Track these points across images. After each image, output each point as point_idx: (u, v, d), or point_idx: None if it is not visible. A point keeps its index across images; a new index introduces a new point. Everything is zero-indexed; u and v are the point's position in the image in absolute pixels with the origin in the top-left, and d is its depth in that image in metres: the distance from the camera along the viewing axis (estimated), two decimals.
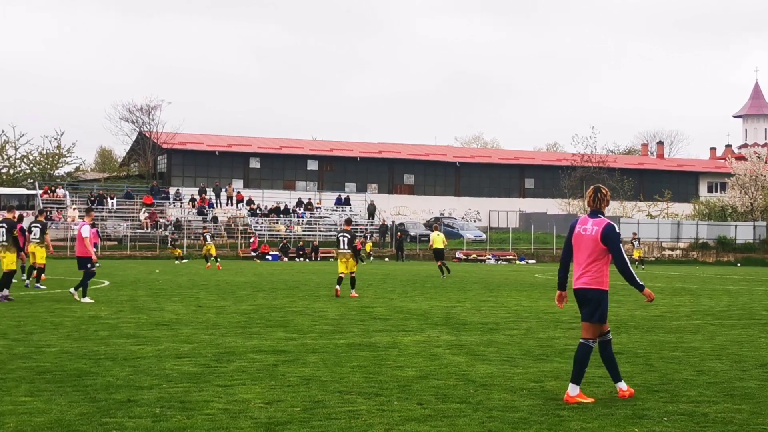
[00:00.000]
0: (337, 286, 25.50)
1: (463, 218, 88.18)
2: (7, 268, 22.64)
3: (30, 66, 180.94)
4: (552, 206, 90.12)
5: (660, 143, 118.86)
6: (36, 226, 27.79)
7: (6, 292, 22.16)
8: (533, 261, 70.40)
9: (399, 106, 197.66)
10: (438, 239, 41.08)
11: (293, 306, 21.78)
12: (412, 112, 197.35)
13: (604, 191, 9.96)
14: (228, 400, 9.46)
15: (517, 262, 69.48)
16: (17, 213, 26.16)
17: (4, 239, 22.80)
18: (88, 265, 22.89)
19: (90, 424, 8.19)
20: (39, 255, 27.39)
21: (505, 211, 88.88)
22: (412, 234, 75.81)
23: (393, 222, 77.87)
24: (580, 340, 9.81)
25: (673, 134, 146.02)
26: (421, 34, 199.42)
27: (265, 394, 9.83)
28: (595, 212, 9.91)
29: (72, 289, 22.97)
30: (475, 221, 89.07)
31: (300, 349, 13.63)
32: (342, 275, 25.55)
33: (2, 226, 22.89)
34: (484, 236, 79.60)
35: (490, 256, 70.46)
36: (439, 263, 39.80)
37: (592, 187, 10.11)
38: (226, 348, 13.67)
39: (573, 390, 9.57)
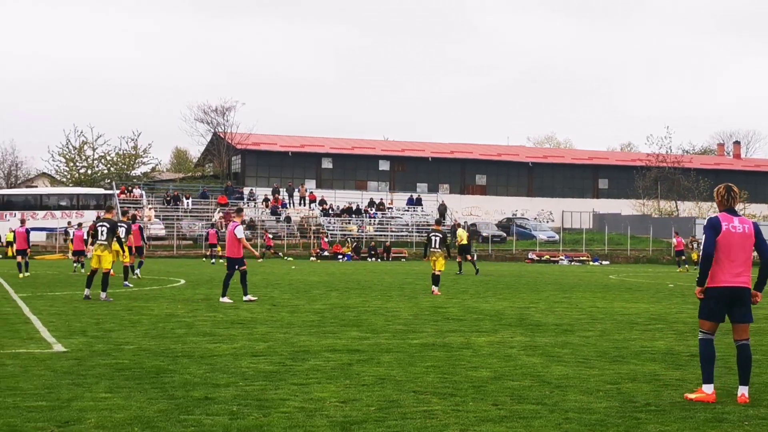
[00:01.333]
0: (434, 287, 26.59)
1: (535, 219, 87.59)
2: (105, 268, 22.70)
3: (106, 68, 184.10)
4: (626, 207, 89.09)
5: (737, 143, 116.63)
6: (121, 227, 28.15)
7: (103, 295, 22.18)
8: (607, 262, 69.64)
9: (471, 106, 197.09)
10: (464, 235, 42.85)
11: (366, 306, 21.84)
12: (484, 111, 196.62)
13: (735, 189, 10.00)
14: (304, 398, 9.52)
15: (591, 263, 68.80)
16: (131, 213, 27.09)
17: (105, 239, 22.84)
18: (236, 266, 22.81)
19: (168, 421, 8.30)
20: (106, 260, 27.60)
21: (578, 211, 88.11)
22: (483, 234, 75.53)
23: (465, 222, 77.67)
24: (742, 342, 9.80)
25: (750, 134, 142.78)
26: (494, 33, 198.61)
27: (340, 392, 9.87)
28: (732, 210, 9.90)
29: (245, 297, 22.63)
30: (547, 222, 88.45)
31: (374, 348, 13.66)
32: (437, 273, 26.89)
33: (104, 226, 22.94)
34: (557, 237, 79.00)
35: (563, 257, 69.89)
36: (459, 259, 41.79)
37: (722, 186, 10.06)
38: (300, 347, 13.75)
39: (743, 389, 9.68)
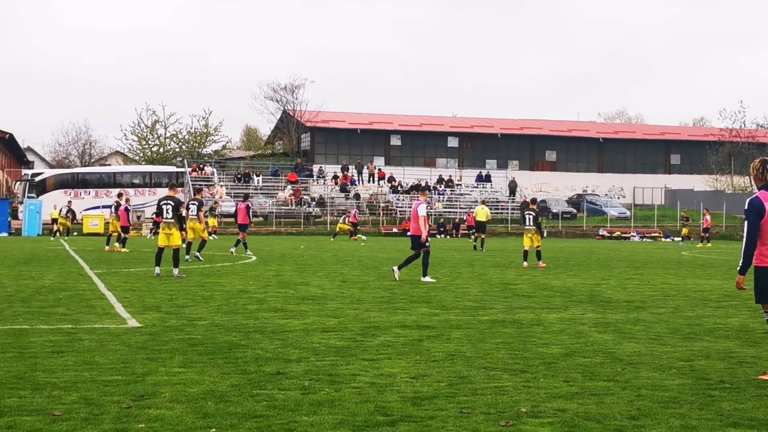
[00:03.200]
0: (525, 262, 27.84)
1: (606, 195, 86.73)
2: (175, 245, 22.98)
3: (179, 45, 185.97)
4: (699, 182, 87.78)
5: None
6: (193, 204, 29.78)
7: (176, 271, 22.59)
8: (679, 239, 68.82)
9: (542, 82, 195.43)
10: (482, 212, 42.35)
11: (436, 282, 21.83)
12: (556, 88, 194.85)
13: None
14: (374, 374, 9.56)
15: (663, 239, 67.98)
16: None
17: (171, 216, 23.01)
18: (426, 244, 22.67)
19: (241, 396, 8.40)
20: (198, 229, 29.65)
21: (649, 187, 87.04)
22: (554, 211, 75.03)
23: (534, 198, 77.09)
24: None
25: None
26: (566, 8, 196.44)
27: (410, 368, 9.89)
28: None
29: (422, 278, 22.48)
30: (618, 198, 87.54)
31: (444, 324, 13.67)
32: (527, 249, 28.26)
33: (168, 204, 23.03)
34: (628, 213, 78.23)
35: (634, 234, 69.17)
36: (476, 235, 42.40)
37: (758, 160, 9.66)
38: (370, 323, 13.81)
39: None
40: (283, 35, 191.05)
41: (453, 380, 9.25)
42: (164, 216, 23.14)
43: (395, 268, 22.87)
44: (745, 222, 9.41)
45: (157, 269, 22.73)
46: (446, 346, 11.47)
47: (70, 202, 57.52)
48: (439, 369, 9.87)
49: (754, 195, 9.54)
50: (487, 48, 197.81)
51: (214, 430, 7.18)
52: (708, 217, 55.13)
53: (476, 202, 77.20)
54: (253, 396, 8.39)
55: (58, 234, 54.18)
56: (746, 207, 9.45)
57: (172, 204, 23.06)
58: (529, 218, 29.03)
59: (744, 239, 9.49)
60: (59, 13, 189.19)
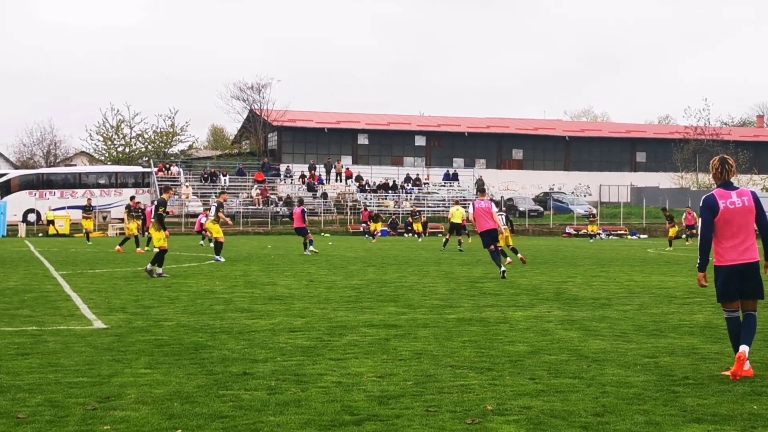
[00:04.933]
0: (507, 258, 27.65)
1: (572, 193, 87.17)
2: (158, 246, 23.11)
3: (145, 43, 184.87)
4: (664, 180, 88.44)
5: None
6: (213, 205, 31.71)
7: (159, 270, 22.56)
8: (645, 236, 69.21)
9: (509, 82, 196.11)
10: (457, 214, 41.21)
11: (403, 281, 21.88)
12: (521, 87, 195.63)
13: (731, 161, 9.66)
14: (341, 373, 9.57)
15: (629, 237, 68.41)
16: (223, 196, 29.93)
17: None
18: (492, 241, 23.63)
19: (208, 396, 8.38)
20: (215, 230, 30.54)
21: (615, 185, 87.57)
22: (521, 209, 75.30)
23: (502, 197, 77.46)
24: (749, 312, 9.62)
25: None
26: (531, 6, 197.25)
27: (377, 367, 9.91)
28: (728, 184, 9.57)
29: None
30: (585, 196, 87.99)
31: (411, 323, 13.70)
32: (501, 248, 27.94)
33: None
34: (594, 211, 78.68)
35: (600, 231, 69.54)
36: (449, 237, 41.47)
37: (716, 158, 9.70)
38: (338, 322, 13.82)
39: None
40: (249, 32, 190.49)
41: (419, 379, 9.28)
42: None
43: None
44: (700, 219, 9.47)
45: (159, 270, 22.61)
46: (413, 345, 11.50)
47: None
48: (406, 368, 9.90)
49: (710, 192, 9.60)
50: (455, 44, 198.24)
51: (180, 430, 7.16)
52: (693, 215, 55.25)
53: (444, 200, 77.51)
54: (219, 396, 8.38)
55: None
56: (701, 204, 9.52)
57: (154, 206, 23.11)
58: (502, 218, 29.59)
59: (699, 237, 9.57)
60: (24, 10, 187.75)
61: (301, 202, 39.84)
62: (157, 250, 23.02)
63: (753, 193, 9.54)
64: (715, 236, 9.50)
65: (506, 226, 30.29)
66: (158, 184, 71.35)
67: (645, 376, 9.52)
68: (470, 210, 24.48)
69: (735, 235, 9.41)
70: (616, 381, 9.21)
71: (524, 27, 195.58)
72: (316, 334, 12.50)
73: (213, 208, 31.67)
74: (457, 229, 41.19)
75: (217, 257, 29.44)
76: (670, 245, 44.89)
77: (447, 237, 41.87)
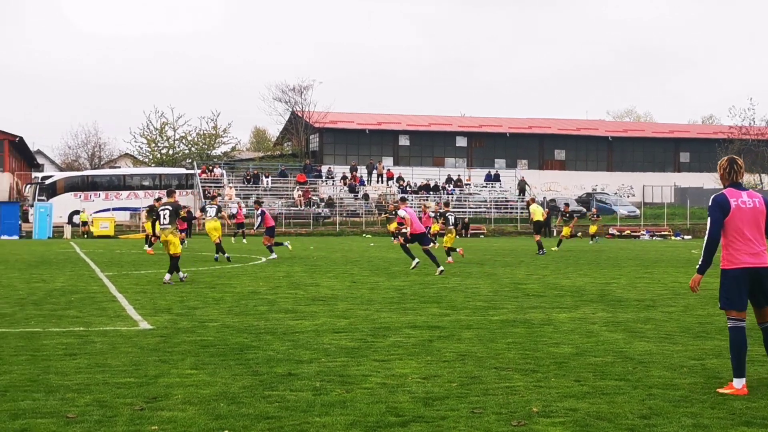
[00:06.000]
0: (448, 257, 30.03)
1: (615, 193, 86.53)
2: (174, 252, 21.96)
3: (187, 47, 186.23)
4: (708, 180, 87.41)
5: None
6: (211, 207, 32.12)
7: (181, 274, 21.84)
8: (689, 237, 68.60)
9: (550, 82, 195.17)
10: (538, 212, 39.79)
11: (446, 282, 21.86)
12: (563, 87, 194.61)
13: (740, 162, 9.14)
14: (385, 374, 9.59)
15: (673, 237, 67.85)
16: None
17: (168, 222, 22.11)
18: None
19: (253, 397, 8.43)
20: (219, 230, 31.44)
21: (659, 185, 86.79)
22: (563, 210, 74.87)
23: (544, 198, 77.10)
24: (766, 325, 9.05)
25: None
26: (573, 6, 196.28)
27: (421, 369, 9.92)
28: (738, 185, 9.03)
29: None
30: (628, 196, 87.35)
31: (454, 325, 13.69)
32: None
33: (166, 209, 22.27)
34: (637, 212, 78.11)
35: (644, 232, 69.03)
36: (536, 237, 39.07)
37: (725, 158, 9.17)
38: (381, 323, 13.84)
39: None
40: (291, 35, 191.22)
41: (464, 380, 9.27)
42: (161, 222, 22.22)
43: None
44: (708, 219, 8.88)
45: (182, 274, 21.97)
46: (457, 347, 11.49)
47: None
48: (450, 369, 9.89)
49: (720, 192, 9.05)
50: (496, 44, 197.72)
51: (226, 431, 7.21)
52: None
53: (486, 201, 77.31)
54: (265, 397, 8.43)
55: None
56: (710, 203, 8.92)
57: (170, 210, 22.21)
58: (451, 218, 31.63)
59: (706, 237, 8.93)
60: (68, 19, 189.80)
61: (403, 199, 37.57)
62: (169, 254, 22.23)
63: (764, 198, 8.98)
64: (724, 237, 8.91)
65: (452, 227, 31.35)
66: (201, 186, 71.82)
67: (692, 378, 9.45)
68: (403, 214, 26.50)
69: (747, 236, 8.83)
70: (663, 383, 9.14)
71: (566, 26, 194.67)
72: (359, 335, 12.53)
73: (213, 209, 31.79)
74: (539, 227, 39.40)
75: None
76: None
77: (537, 238, 38.74)
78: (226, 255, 30.59)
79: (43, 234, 59.44)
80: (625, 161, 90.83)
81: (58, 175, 75.01)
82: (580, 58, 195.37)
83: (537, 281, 22.28)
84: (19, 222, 60.92)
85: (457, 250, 31.26)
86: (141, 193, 68.99)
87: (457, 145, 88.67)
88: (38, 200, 64.98)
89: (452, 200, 75.91)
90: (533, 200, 43.15)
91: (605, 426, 7.40)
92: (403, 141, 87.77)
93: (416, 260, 25.86)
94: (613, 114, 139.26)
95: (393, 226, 43.60)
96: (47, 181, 70.41)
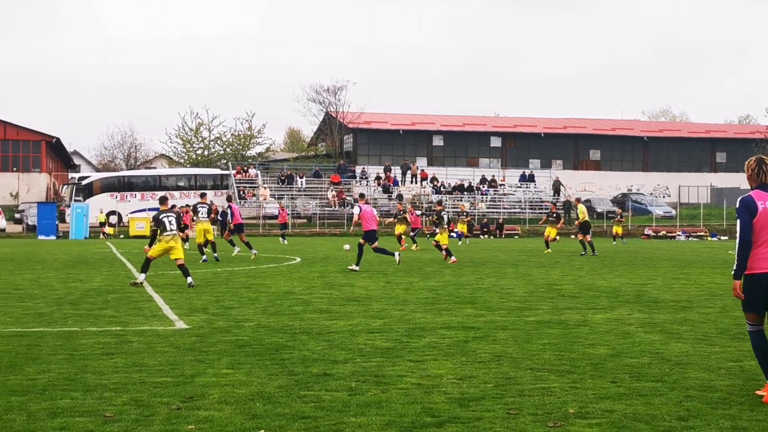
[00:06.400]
0: (452, 257, 30.61)
1: (651, 194, 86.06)
2: (179, 258, 21.33)
3: (221, 49, 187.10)
4: (745, 181, 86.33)
5: None
6: (203, 207, 31.80)
7: (190, 279, 20.82)
8: (726, 237, 68.03)
9: (584, 81, 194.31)
10: (586, 212, 38.69)
11: (480, 283, 21.81)
12: (598, 87, 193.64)
13: None
14: (421, 375, 9.58)
15: (709, 238, 67.34)
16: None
17: (175, 228, 21.58)
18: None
19: (289, 397, 8.46)
20: (209, 230, 31.53)
21: (695, 186, 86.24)
22: (598, 210, 74.55)
23: (578, 198, 76.71)
24: None
25: None
26: (608, 7, 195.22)
27: (457, 369, 9.90)
28: (765, 186, 8.72)
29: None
30: (663, 197, 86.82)
31: (489, 325, 13.66)
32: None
33: (170, 216, 21.63)
34: (673, 212, 77.59)
35: (680, 233, 68.55)
36: (581, 237, 37.59)
37: (753, 158, 8.91)
38: (416, 323, 13.83)
39: None
40: (325, 36, 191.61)
41: (500, 381, 9.25)
42: (168, 228, 21.51)
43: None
44: (738, 221, 8.63)
45: (143, 276, 21.20)
46: (492, 347, 11.46)
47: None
48: (486, 370, 9.87)
49: (747, 194, 8.79)
50: (531, 43, 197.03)
51: (263, 431, 7.24)
52: None
53: (520, 202, 77.04)
54: (300, 397, 8.45)
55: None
56: (738, 205, 8.65)
57: (174, 216, 21.77)
58: (445, 218, 32.51)
59: (738, 240, 8.60)
60: (103, 23, 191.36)
61: (440, 201, 37.37)
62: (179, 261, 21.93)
63: None
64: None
65: (445, 227, 32.15)
66: (236, 186, 72.12)
67: (730, 380, 9.37)
68: (356, 211, 26.72)
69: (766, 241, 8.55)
70: (700, 385, 9.07)
71: (601, 25, 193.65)
72: (394, 335, 12.53)
73: (203, 209, 31.62)
74: (587, 227, 37.85)
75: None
76: None
77: (588, 239, 37.24)
78: (204, 258, 30.27)
79: (79, 234, 60.00)
80: (660, 161, 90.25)
81: (95, 176, 75.70)
82: (615, 57, 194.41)
83: (572, 282, 22.19)
84: (56, 222, 61.50)
85: (451, 259, 30.58)
86: (176, 193, 69.41)
87: (491, 145, 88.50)
88: (75, 201, 65.60)
89: (486, 200, 75.89)
90: (579, 200, 42.67)
91: (642, 428, 7.35)
92: (437, 141, 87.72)
93: (357, 267, 25.45)
94: (649, 114, 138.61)
95: (401, 229, 42.90)
96: (84, 182, 71.04)
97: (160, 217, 21.77)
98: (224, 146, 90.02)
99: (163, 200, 22.64)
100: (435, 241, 32.28)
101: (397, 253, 27.06)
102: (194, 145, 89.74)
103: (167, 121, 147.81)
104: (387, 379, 9.35)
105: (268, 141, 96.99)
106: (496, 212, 73.52)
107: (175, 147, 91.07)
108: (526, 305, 16.66)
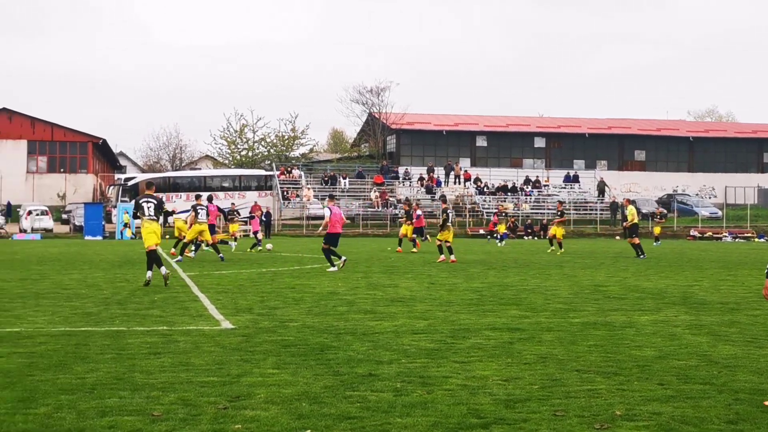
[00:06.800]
0: (451, 255, 31.14)
1: (697, 195, 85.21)
2: (155, 244, 20.89)
3: (265, 51, 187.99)
4: None
5: None
6: (201, 209, 31.90)
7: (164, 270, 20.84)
8: None
9: (628, 81, 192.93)
10: (635, 212, 37.69)
11: (525, 284, 21.73)
12: (642, 86, 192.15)
13: None
14: (466, 376, 9.56)
15: (756, 239, 66.57)
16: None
17: (153, 214, 21.10)
18: None
19: (335, 397, 8.47)
20: (200, 230, 31.70)
21: (742, 186, 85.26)
22: (644, 212, 73.95)
23: (623, 200, 76.18)
24: None
25: None
26: (653, 5, 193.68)
27: (502, 371, 9.87)
28: None
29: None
30: (709, 198, 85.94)
31: (534, 327, 13.60)
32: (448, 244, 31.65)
33: (150, 201, 21.21)
34: (719, 213, 76.79)
35: (726, 234, 67.85)
36: (635, 240, 36.58)
37: None
38: (460, 325, 13.81)
39: None
40: (369, 36, 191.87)
41: (545, 383, 9.21)
42: (146, 213, 21.09)
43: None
44: None
45: (149, 273, 20.75)
46: (537, 349, 11.41)
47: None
48: (531, 371, 9.83)
49: None
50: (575, 43, 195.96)
51: (309, 431, 7.26)
52: None
53: (564, 202, 76.60)
54: (346, 397, 8.46)
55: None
56: None
57: (155, 202, 21.29)
58: (451, 215, 33.81)
59: None
60: (148, 29, 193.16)
61: (210, 198, 35.13)
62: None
63: None
64: None
65: (449, 224, 32.46)
66: (280, 187, 72.42)
67: None
68: (327, 213, 27.01)
69: None
70: (749, 388, 8.97)
71: (645, 23, 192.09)
72: (439, 336, 12.51)
73: (202, 211, 31.75)
74: (636, 229, 37.11)
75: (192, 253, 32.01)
76: None
77: (636, 241, 36.58)
78: (179, 258, 30.88)
79: (125, 234, 60.49)
80: (706, 162, 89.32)
81: (140, 177, 76.37)
82: (660, 56, 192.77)
83: (617, 283, 22.03)
84: (103, 222, 62.09)
85: (451, 258, 31.09)
86: (221, 194, 69.83)
87: (535, 145, 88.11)
88: (121, 201, 66.21)
89: (530, 202, 75.56)
90: (629, 201, 42.15)
91: (691, 431, 7.29)
92: (481, 142, 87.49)
93: (335, 267, 25.90)
94: (694, 114, 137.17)
95: (406, 229, 41.69)
96: (130, 183, 71.70)
97: (140, 201, 21.39)
98: (268, 147, 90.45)
99: (149, 185, 22.09)
100: (438, 240, 32.16)
101: (336, 266, 25.95)
102: (238, 146, 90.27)
103: (212, 123, 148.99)
104: (432, 380, 9.34)
105: (312, 142, 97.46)
106: (540, 213, 73.15)
107: (219, 148, 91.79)
108: (571, 307, 16.57)
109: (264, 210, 65.93)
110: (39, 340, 11.83)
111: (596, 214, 75.15)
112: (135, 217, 21.80)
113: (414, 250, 39.36)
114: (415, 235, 40.45)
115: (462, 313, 15.46)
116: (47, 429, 7.27)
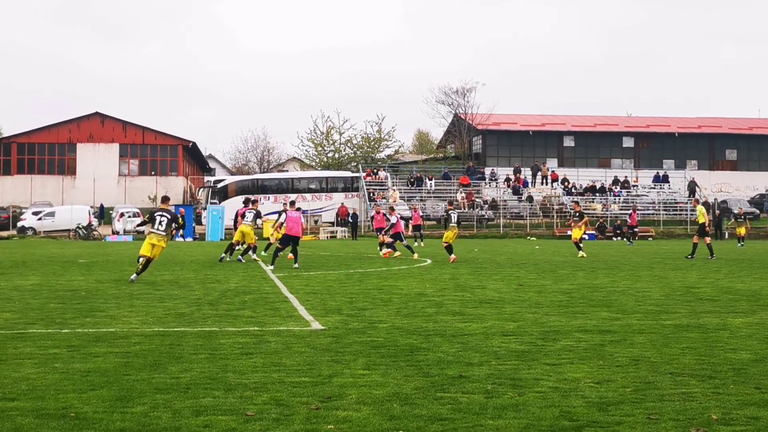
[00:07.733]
0: (452, 255, 31.71)
1: None
2: (153, 256, 22.95)
3: (352, 54, 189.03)
4: None
5: None
6: (250, 212, 32.25)
7: (134, 277, 22.42)
8: None
9: (720, 79, 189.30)
10: (703, 212, 36.32)
11: (615, 286, 21.47)
12: (734, 85, 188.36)
13: None
14: (557, 378, 9.49)
15: None
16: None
17: (164, 229, 22.85)
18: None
19: (426, 398, 8.49)
20: (250, 234, 32.06)
21: None
22: (735, 212, 72.49)
23: (715, 199, 74.84)
24: None
25: None
26: (741, 2, 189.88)
27: (594, 373, 9.78)
28: None
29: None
30: None
31: (626, 329, 13.43)
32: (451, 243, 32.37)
33: (164, 216, 22.90)
34: (744, 210, 74.90)
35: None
36: (706, 240, 35.47)
37: None
38: (550, 327, 13.71)
39: None
40: (455, 37, 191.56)
41: (639, 386, 9.09)
42: (156, 227, 22.77)
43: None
44: None
45: (134, 276, 22.49)
46: (630, 351, 11.28)
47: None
48: (624, 374, 9.72)
49: None
50: (664, 41, 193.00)
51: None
52: None
53: (654, 203, 75.47)
54: (437, 399, 8.47)
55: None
56: None
57: (168, 217, 22.85)
58: (454, 217, 33.89)
59: None
60: (235, 35, 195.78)
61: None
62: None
63: None
64: None
65: (453, 224, 33.45)
66: (366, 188, 72.70)
67: None
68: (282, 218, 28.52)
69: None
70: None
71: (735, 20, 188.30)
72: (529, 338, 12.45)
73: (250, 215, 32.09)
74: (704, 229, 36.01)
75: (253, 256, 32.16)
76: None
77: (707, 241, 35.66)
78: (226, 256, 31.63)
79: (215, 236, 61.36)
80: None
81: (230, 179, 77.32)
82: (751, 54, 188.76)
83: (710, 285, 21.64)
84: (193, 224, 63.04)
85: (451, 258, 31.71)
86: (309, 195, 70.43)
87: (623, 145, 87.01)
88: (211, 203, 67.17)
89: (619, 202, 74.60)
90: (698, 202, 41.43)
91: None
92: (568, 142, 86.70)
93: (296, 265, 27.59)
94: None
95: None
96: (219, 185, 72.63)
97: (154, 213, 23.06)
98: (354, 149, 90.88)
99: (165, 199, 23.64)
100: (445, 242, 32.96)
101: (274, 266, 26.88)
102: (325, 148, 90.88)
103: (299, 125, 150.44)
104: (523, 382, 9.30)
105: (398, 143, 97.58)
106: (629, 214, 72.15)
107: (306, 150, 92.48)
108: (662, 309, 16.33)
109: (351, 212, 66.32)
110: (134, 340, 12.07)
111: (686, 214, 73.86)
112: (144, 224, 23.12)
113: (395, 255, 36.07)
114: (391, 240, 36.95)
115: (551, 315, 15.35)
116: (144, 428, 7.42)
